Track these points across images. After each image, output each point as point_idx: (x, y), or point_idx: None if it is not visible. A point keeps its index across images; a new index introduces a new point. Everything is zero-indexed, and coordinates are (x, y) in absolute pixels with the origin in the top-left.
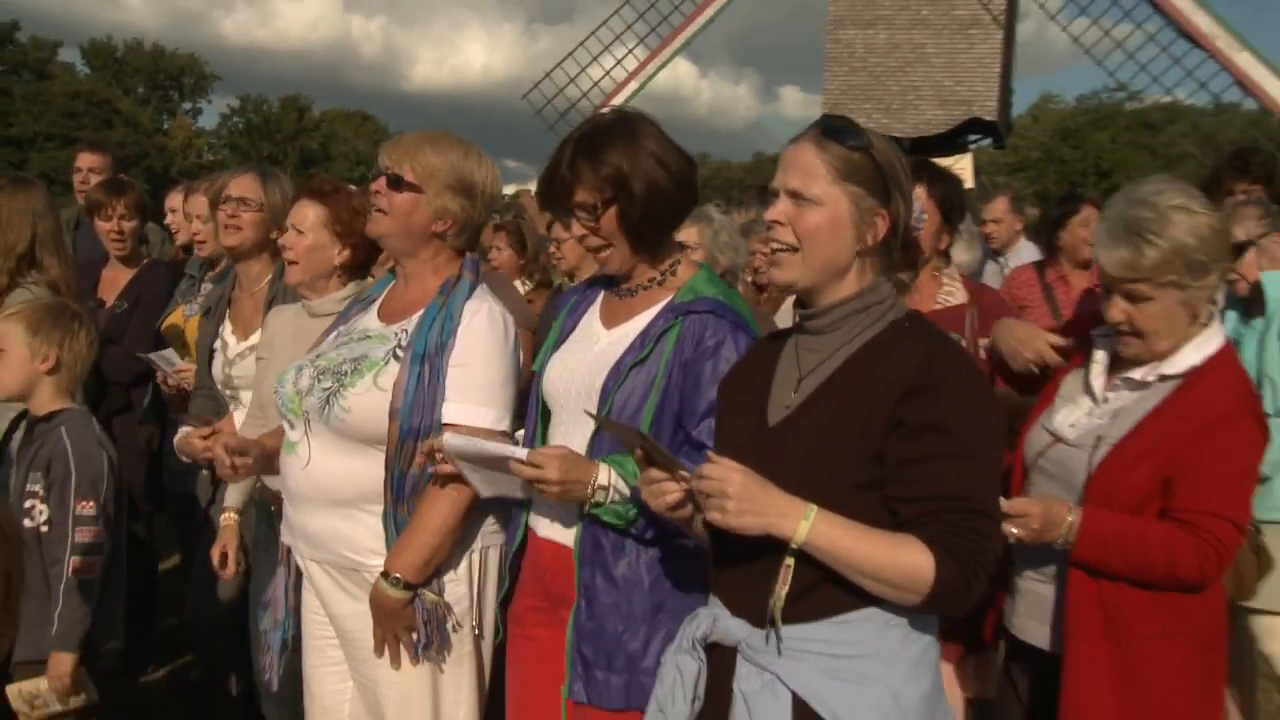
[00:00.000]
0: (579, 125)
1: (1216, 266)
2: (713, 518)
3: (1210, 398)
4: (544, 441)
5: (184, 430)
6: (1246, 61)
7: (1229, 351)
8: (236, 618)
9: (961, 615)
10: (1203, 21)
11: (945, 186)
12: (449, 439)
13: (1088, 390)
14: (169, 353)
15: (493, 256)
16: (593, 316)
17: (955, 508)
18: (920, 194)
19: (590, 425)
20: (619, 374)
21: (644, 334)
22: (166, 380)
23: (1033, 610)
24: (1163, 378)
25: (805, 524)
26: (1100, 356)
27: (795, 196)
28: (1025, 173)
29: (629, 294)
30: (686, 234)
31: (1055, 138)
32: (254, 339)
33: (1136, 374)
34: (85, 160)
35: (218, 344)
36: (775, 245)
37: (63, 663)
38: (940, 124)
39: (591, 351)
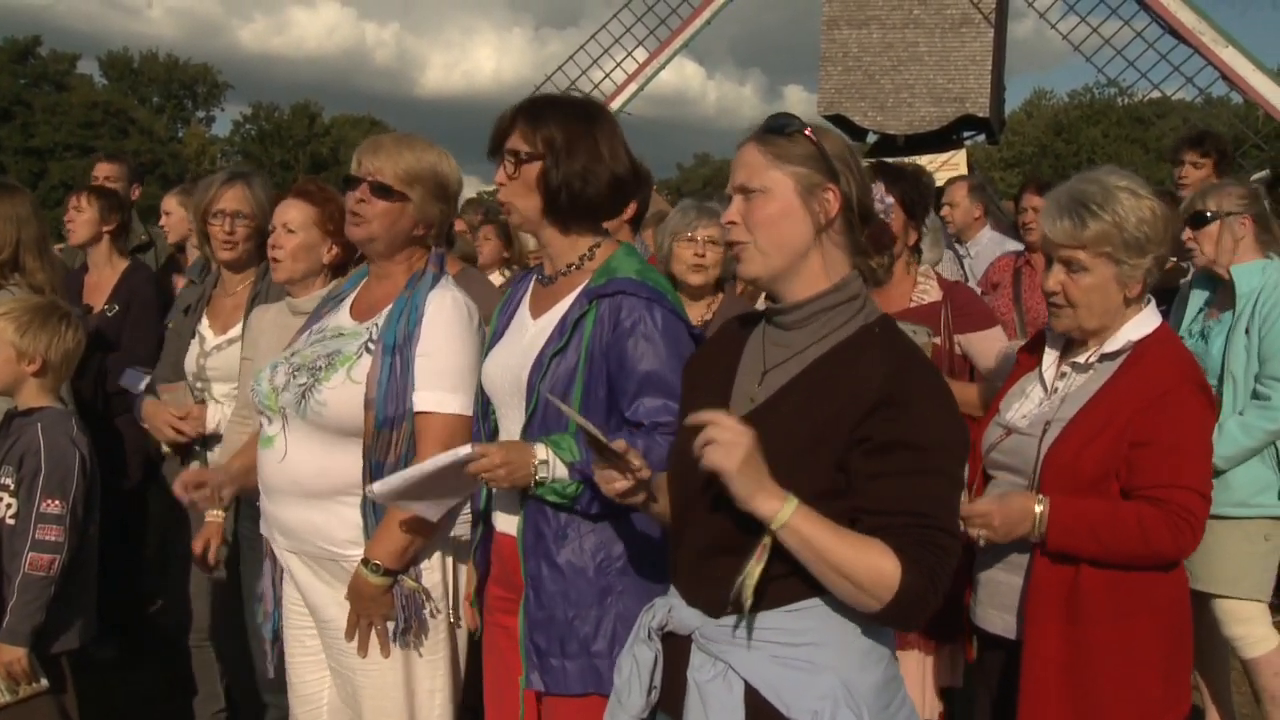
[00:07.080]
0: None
1: (1154, 249)
2: (714, 458)
3: (1154, 373)
4: (496, 436)
5: (153, 402)
6: (1231, 56)
7: (1166, 329)
8: (219, 612)
9: (912, 629)
10: (1188, 17)
11: (905, 183)
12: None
13: (1040, 382)
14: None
15: (479, 245)
16: (524, 307)
17: (919, 523)
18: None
19: (523, 416)
20: (540, 366)
21: (562, 322)
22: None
23: (996, 600)
24: (1103, 357)
25: (789, 505)
26: (1051, 350)
27: (744, 191)
28: (1020, 167)
29: (551, 281)
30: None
31: (1049, 133)
32: (233, 333)
33: (1080, 358)
34: (102, 170)
35: (194, 337)
36: (733, 243)
37: (8, 654)
38: (934, 121)
39: (521, 343)
